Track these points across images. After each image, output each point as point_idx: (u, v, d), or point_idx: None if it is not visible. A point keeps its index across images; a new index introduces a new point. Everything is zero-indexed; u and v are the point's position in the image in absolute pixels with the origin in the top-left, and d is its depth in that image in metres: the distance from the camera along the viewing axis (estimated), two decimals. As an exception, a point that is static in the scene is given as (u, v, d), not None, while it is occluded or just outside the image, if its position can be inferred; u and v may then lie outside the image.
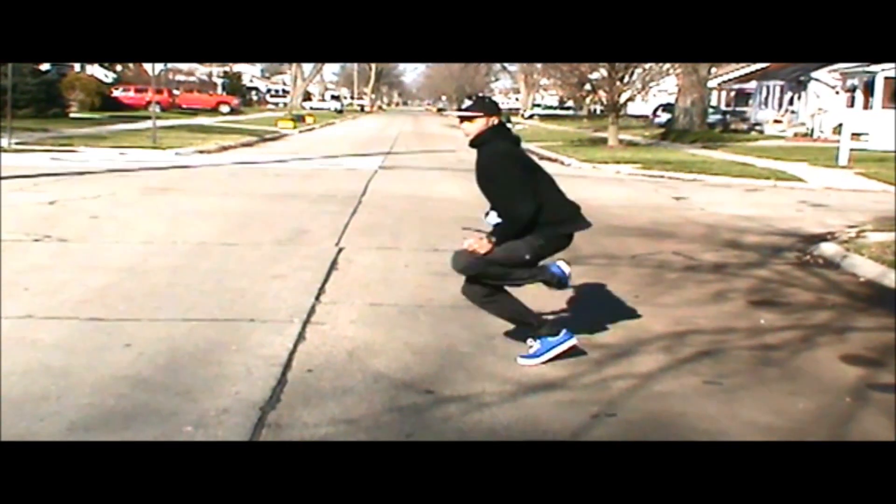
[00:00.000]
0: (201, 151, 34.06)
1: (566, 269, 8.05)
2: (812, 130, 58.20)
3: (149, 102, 43.48)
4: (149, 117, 37.67)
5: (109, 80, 75.16)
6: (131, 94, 73.56)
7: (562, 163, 34.26)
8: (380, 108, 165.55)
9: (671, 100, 65.13)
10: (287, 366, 7.78)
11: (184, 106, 79.52)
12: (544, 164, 8.24)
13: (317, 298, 10.30)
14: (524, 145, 8.20)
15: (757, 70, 75.39)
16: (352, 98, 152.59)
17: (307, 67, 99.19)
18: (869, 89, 53.84)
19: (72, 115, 55.06)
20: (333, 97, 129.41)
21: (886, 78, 51.72)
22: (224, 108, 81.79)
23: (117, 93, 72.58)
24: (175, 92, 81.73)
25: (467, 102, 8.20)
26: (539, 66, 63.71)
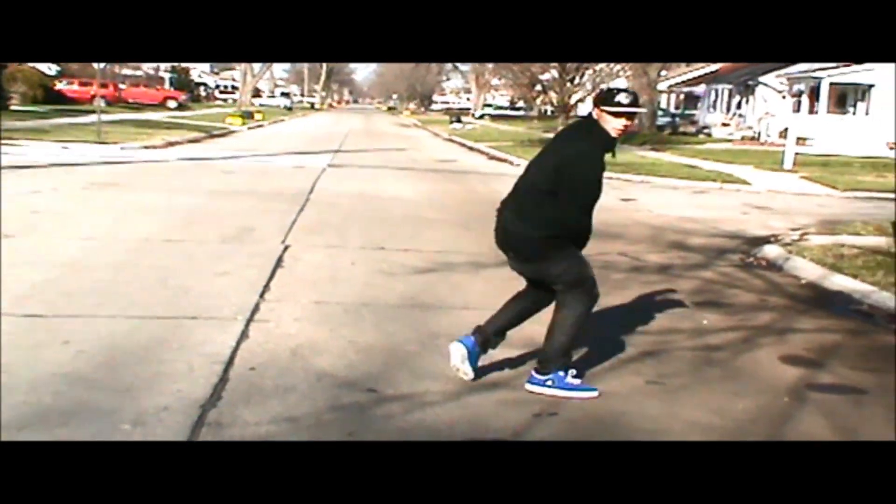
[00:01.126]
0: (147, 147, 33.79)
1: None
2: (759, 134, 58.62)
3: (93, 96, 43.18)
4: (93, 111, 37.40)
5: (53, 73, 74.53)
6: (75, 87, 73.06)
7: (511, 163, 34.23)
8: (330, 105, 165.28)
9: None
10: (229, 363, 7.75)
11: (130, 100, 78.98)
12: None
13: (261, 296, 10.27)
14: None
15: (706, 73, 75.83)
16: (302, 95, 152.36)
17: (256, 64, 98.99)
18: (815, 94, 54.34)
19: (13, 107, 54.46)
20: (283, 94, 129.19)
21: (832, 84, 52.25)
22: (171, 104, 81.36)
23: (61, 86, 72.06)
24: (121, 86, 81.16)
25: (628, 96, 7.35)
26: (490, 66, 63.84)
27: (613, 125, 7.24)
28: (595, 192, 7.30)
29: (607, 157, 7.34)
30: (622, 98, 7.23)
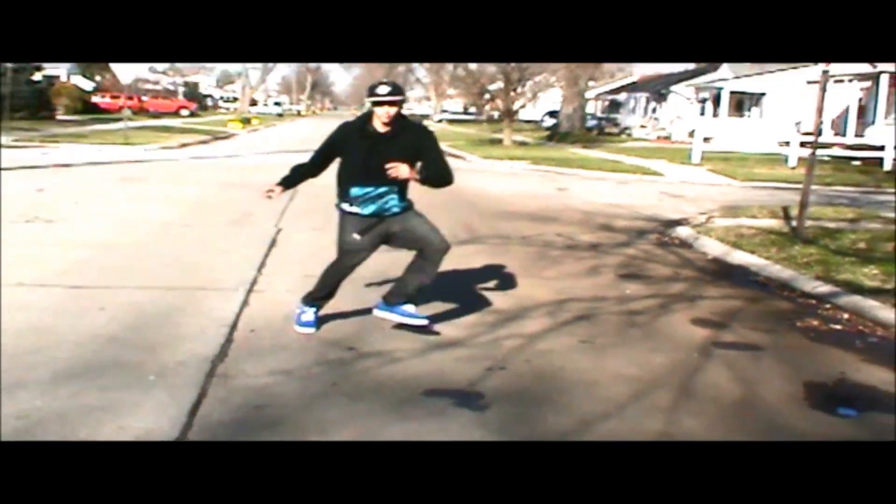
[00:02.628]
0: (164, 147, 33.54)
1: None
2: (671, 134, 58.77)
3: (121, 107, 42.76)
4: (121, 119, 37.10)
5: (90, 89, 73.94)
6: (107, 99, 72.27)
7: (464, 159, 34.19)
8: (314, 112, 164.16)
9: (556, 107, 65.32)
10: (233, 326, 7.74)
11: (151, 110, 78.31)
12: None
13: (258, 271, 10.24)
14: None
15: (627, 84, 76.06)
16: (290, 104, 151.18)
17: (253, 78, 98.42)
18: (716, 101, 54.61)
19: (58, 117, 54.17)
20: (276, 103, 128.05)
21: (731, 92, 52.54)
22: (184, 112, 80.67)
23: (96, 99, 71.43)
24: (144, 98, 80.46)
25: (386, 88, 7.05)
26: (447, 77, 63.69)
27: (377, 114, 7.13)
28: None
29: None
30: (381, 90, 7.03)
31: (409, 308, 7.55)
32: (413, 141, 7.26)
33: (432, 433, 5.50)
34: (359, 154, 7.15)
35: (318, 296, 7.73)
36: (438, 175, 7.42)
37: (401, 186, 7.29)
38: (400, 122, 7.21)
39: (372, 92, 7.04)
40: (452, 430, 5.58)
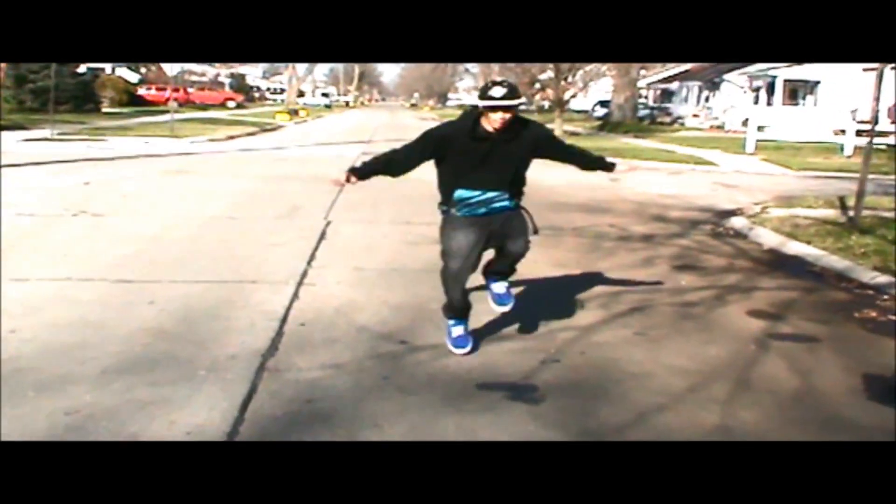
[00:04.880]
0: (212, 140, 33.80)
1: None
2: (724, 123, 58.34)
3: (168, 99, 43.02)
4: (168, 111, 37.33)
5: (135, 81, 74.57)
6: (153, 92, 72.85)
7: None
8: (362, 103, 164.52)
9: (608, 97, 65.03)
10: (284, 320, 7.79)
11: (197, 102, 78.78)
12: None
13: (308, 263, 10.29)
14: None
15: (679, 72, 75.47)
16: (338, 95, 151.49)
17: (301, 69, 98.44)
18: (770, 89, 54.14)
19: (104, 110, 54.57)
20: (323, 94, 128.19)
21: (785, 80, 52.07)
22: (231, 104, 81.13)
23: (142, 91, 72.02)
24: (190, 90, 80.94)
25: (502, 90, 6.33)
26: (496, 67, 63.45)
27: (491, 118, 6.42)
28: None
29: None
30: (495, 91, 6.35)
31: (498, 287, 7.22)
32: (530, 139, 6.67)
33: (485, 427, 5.50)
34: (470, 157, 6.52)
35: (450, 307, 7.05)
36: (583, 157, 7.30)
37: (513, 189, 6.78)
38: (515, 123, 6.51)
39: (485, 94, 6.37)
40: (506, 424, 5.58)
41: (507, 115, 6.37)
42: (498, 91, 6.33)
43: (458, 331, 7.05)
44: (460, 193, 6.65)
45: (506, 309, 7.26)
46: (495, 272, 7.20)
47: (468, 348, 7.00)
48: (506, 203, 6.76)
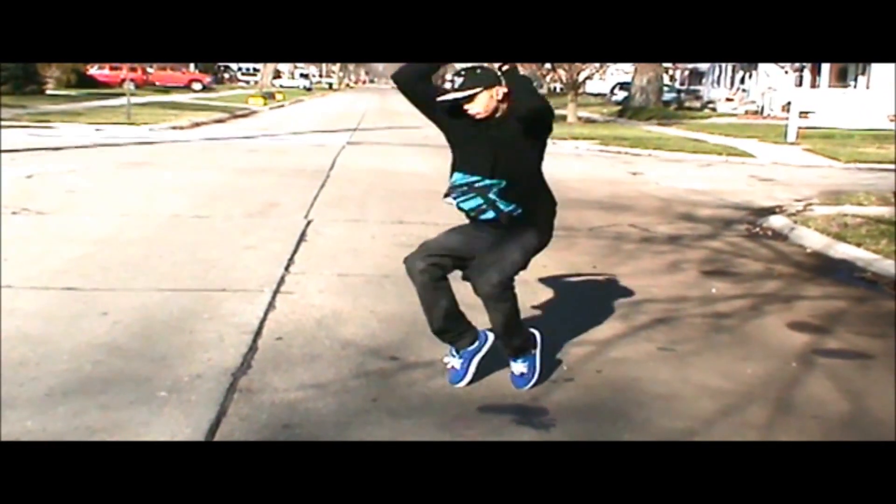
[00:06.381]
0: (174, 127, 33.76)
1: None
2: (762, 108, 58.50)
3: (123, 80, 43.05)
4: (123, 94, 37.40)
5: (85, 59, 74.76)
6: (106, 71, 72.95)
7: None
8: (347, 85, 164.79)
9: (628, 78, 65.17)
10: (258, 333, 7.77)
11: (157, 83, 78.94)
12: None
13: (286, 269, 10.29)
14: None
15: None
16: (320, 76, 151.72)
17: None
18: (816, 69, 54.15)
19: (48, 92, 54.64)
20: (302, 75, 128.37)
21: (833, 58, 51.93)
22: (196, 86, 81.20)
23: (93, 71, 72.02)
24: (149, 70, 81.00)
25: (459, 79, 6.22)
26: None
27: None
28: None
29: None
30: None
31: (515, 367, 6.76)
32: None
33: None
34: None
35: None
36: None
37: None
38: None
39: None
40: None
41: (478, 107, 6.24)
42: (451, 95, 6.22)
43: (455, 362, 6.71)
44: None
45: (523, 390, 6.73)
46: (505, 347, 6.74)
47: (463, 382, 6.67)
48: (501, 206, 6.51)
